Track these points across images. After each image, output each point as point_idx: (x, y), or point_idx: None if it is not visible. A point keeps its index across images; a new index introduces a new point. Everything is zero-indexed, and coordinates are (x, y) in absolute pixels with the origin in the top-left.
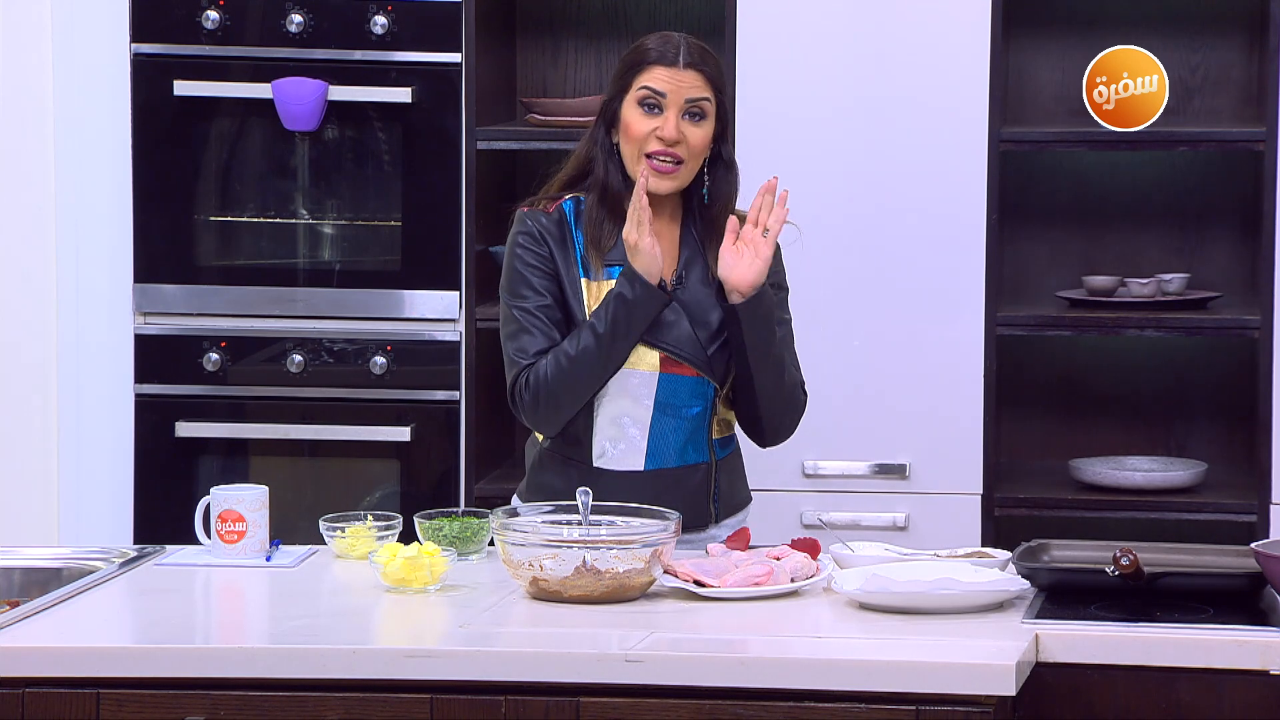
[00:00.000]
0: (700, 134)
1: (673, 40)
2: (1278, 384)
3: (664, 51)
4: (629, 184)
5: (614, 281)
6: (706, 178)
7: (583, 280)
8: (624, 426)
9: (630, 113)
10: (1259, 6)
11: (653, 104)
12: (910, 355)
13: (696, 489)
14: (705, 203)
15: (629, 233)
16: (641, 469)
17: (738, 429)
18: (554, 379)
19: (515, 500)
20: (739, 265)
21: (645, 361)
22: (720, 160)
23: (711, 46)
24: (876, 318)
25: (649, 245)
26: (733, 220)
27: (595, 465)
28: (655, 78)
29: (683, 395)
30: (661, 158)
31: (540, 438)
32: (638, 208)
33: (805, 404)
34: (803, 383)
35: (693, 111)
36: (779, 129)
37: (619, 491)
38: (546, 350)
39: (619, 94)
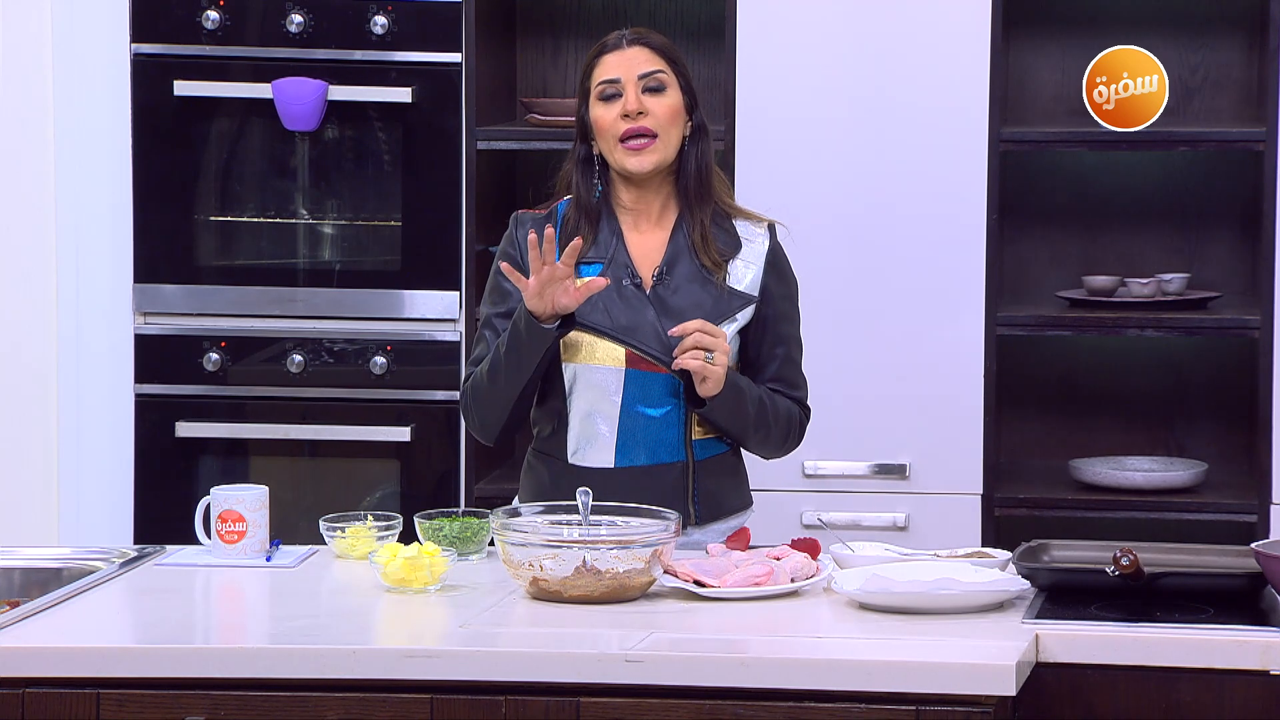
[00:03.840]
0: (665, 103)
1: (614, 33)
2: (1278, 384)
3: (608, 43)
4: (606, 188)
5: (586, 280)
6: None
7: None
8: (595, 422)
9: (596, 110)
10: (1259, 6)
11: (611, 93)
12: (910, 355)
13: (671, 489)
14: (684, 173)
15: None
16: (612, 466)
17: None
18: (474, 389)
19: (516, 501)
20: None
21: (611, 357)
22: (693, 131)
23: (711, 47)
24: (876, 318)
25: (539, 298)
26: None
27: (570, 462)
28: (606, 66)
29: (653, 393)
30: (633, 136)
31: (535, 433)
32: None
33: (807, 422)
34: (804, 400)
35: (650, 86)
36: (779, 129)
37: (592, 488)
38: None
39: (583, 103)
